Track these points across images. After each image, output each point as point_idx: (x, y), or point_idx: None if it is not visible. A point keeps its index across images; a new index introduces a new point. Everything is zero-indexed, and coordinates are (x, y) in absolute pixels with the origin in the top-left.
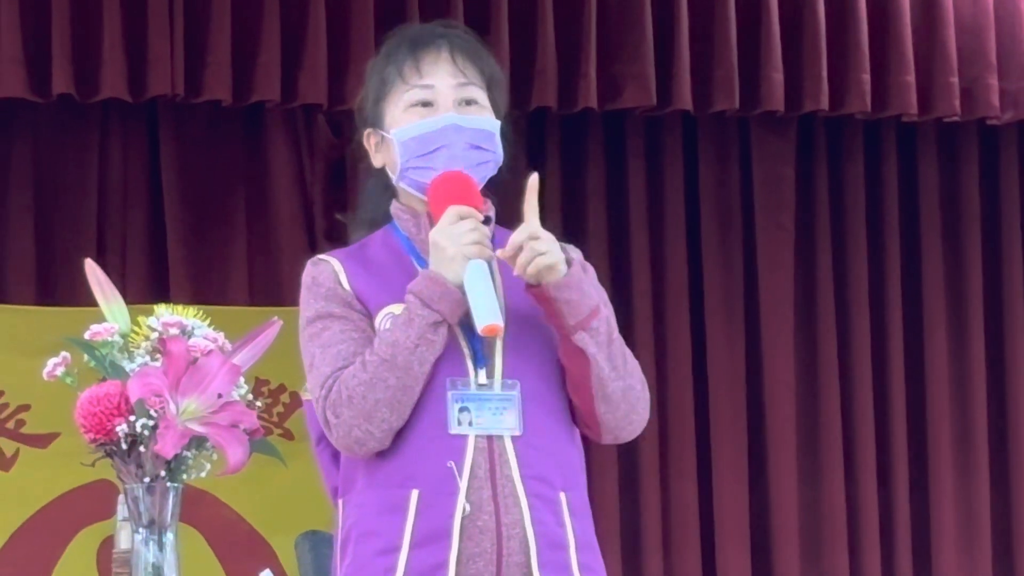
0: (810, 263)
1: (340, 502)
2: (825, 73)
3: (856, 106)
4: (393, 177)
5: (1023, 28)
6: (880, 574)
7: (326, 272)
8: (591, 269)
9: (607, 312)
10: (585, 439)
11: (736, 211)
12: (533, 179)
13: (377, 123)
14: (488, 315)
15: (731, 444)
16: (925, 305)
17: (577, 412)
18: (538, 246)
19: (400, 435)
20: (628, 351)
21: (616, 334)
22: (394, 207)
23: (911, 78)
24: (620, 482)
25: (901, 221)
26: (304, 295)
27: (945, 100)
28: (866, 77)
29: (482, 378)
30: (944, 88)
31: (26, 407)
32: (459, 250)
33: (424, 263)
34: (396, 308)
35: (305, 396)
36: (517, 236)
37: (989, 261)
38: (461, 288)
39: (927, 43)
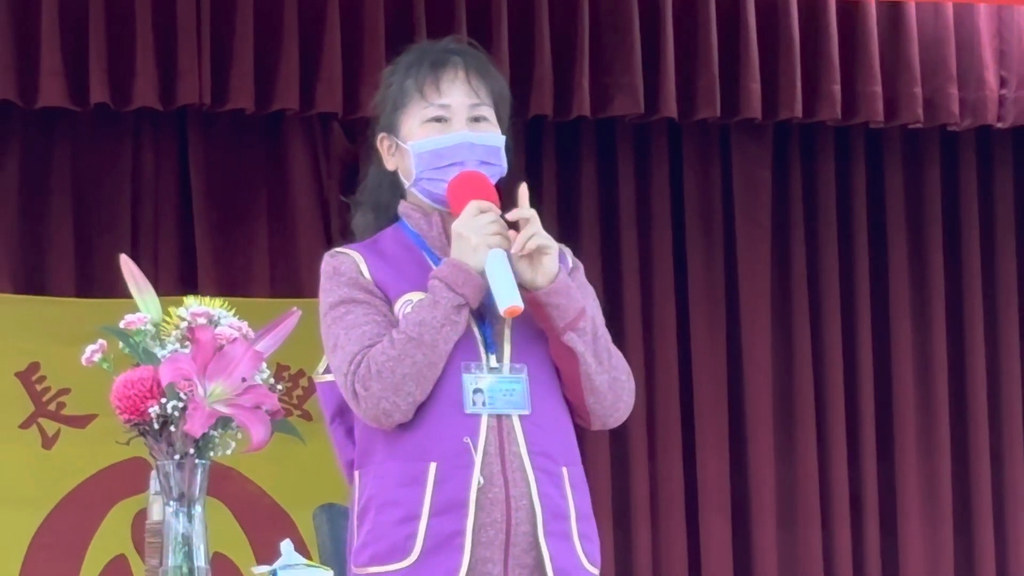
0: (785, 258)
1: (357, 474)
2: (799, 84)
3: (827, 114)
4: (407, 183)
5: (980, 43)
6: (850, 542)
7: (347, 263)
8: (581, 266)
9: (593, 311)
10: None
11: (717, 210)
12: (523, 187)
13: (392, 130)
14: (509, 297)
15: (713, 424)
16: (891, 296)
17: (570, 405)
18: (533, 226)
19: (418, 412)
20: (613, 346)
21: (602, 331)
22: (403, 207)
23: (878, 88)
24: (612, 459)
25: (869, 219)
26: (325, 284)
27: (909, 109)
28: (836, 87)
29: (493, 362)
30: (908, 98)
31: (66, 390)
32: (482, 240)
33: (434, 256)
34: (414, 295)
35: (318, 379)
36: (512, 215)
37: (950, 255)
38: (482, 274)
39: (893, 56)
